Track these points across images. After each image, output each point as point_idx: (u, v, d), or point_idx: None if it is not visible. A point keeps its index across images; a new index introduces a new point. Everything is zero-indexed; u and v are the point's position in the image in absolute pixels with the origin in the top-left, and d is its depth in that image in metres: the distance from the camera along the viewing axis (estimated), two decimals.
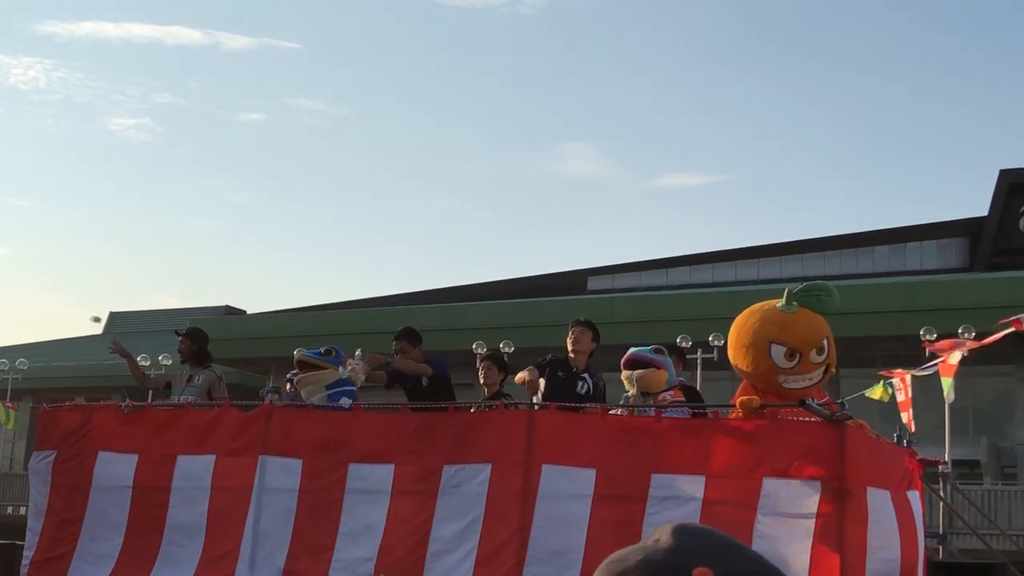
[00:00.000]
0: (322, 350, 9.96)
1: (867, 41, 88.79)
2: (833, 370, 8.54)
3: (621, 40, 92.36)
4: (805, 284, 8.77)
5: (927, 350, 8.84)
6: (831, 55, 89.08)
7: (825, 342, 8.60)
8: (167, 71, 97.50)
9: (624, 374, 8.53)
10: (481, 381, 10.54)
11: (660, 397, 8.33)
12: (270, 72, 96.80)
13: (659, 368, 8.48)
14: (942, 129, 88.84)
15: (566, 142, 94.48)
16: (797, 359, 8.37)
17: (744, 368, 8.49)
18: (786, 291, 8.65)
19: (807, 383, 8.44)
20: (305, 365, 9.87)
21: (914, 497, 8.59)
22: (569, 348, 9.94)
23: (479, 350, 36.35)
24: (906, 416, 10.32)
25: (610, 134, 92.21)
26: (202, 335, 11.56)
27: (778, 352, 8.39)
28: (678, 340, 34.73)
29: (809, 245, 48.64)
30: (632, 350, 8.63)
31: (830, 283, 8.98)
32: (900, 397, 11.28)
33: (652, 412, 8.11)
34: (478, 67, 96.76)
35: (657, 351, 8.59)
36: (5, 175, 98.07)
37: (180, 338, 11.48)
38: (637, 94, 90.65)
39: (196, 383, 10.98)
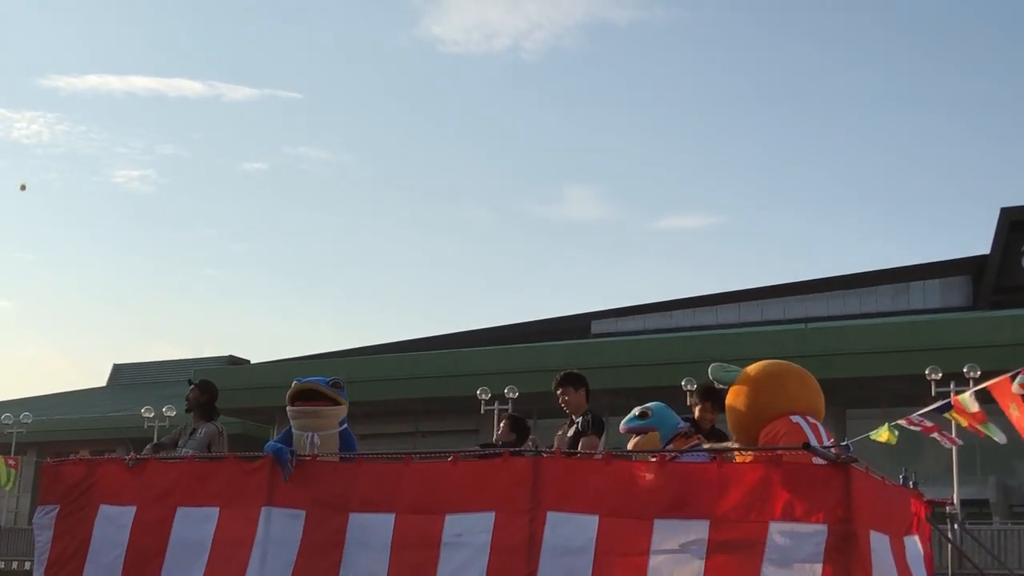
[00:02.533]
0: (329, 380, 9.47)
1: (866, 83, 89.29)
2: (736, 438, 9.03)
3: (620, 84, 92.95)
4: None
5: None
6: (830, 97, 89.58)
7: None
8: (170, 122, 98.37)
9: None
10: (495, 438, 10.57)
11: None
12: (272, 122, 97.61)
13: (649, 431, 8.61)
14: (943, 168, 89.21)
15: (567, 186, 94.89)
16: None
17: None
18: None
19: None
20: (315, 395, 9.37)
21: (913, 542, 8.55)
22: (564, 408, 10.08)
23: (483, 395, 36.26)
24: (937, 436, 10.36)
25: (610, 177, 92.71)
26: (212, 388, 11.43)
27: None
28: (683, 383, 34.81)
29: (812, 286, 48.65)
30: (621, 427, 8.85)
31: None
32: (919, 429, 11.26)
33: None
34: (479, 113, 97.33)
35: (642, 416, 8.74)
36: (9, 229, 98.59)
37: (191, 387, 11.33)
38: (637, 137, 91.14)
39: (198, 436, 10.90)
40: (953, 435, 11.83)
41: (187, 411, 11.36)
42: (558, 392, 10.05)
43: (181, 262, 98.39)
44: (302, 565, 8.71)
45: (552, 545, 7.85)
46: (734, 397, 9.14)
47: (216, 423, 11.16)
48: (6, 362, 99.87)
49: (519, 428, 10.75)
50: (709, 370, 9.17)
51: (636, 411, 8.84)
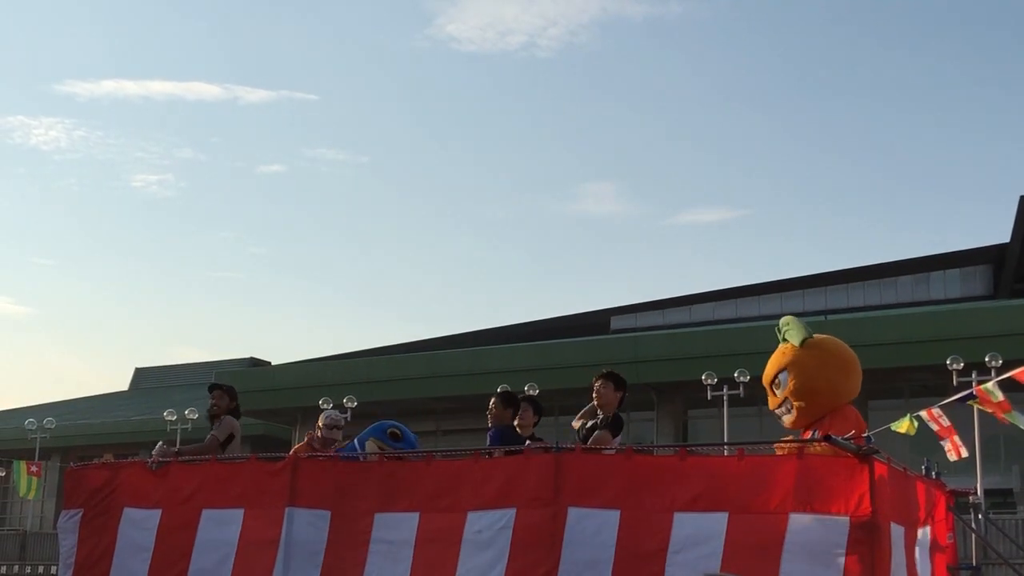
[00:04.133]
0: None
1: (885, 73, 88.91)
2: (799, 404, 8.64)
3: (636, 80, 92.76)
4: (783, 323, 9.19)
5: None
6: (848, 87, 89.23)
7: (782, 375, 8.73)
8: (187, 126, 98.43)
9: None
10: (516, 422, 10.48)
11: None
12: (289, 124, 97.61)
13: None
14: (962, 157, 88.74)
15: (585, 182, 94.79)
16: (772, 397, 8.82)
17: None
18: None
19: (783, 417, 8.73)
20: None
21: (925, 533, 8.52)
22: (595, 401, 9.89)
23: None
24: (948, 443, 10.33)
25: (628, 173, 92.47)
26: (235, 392, 11.43)
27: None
28: (703, 377, 34.76)
29: (832, 278, 48.48)
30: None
31: (797, 316, 9.46)
32: (936, 427, 11.21)
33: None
34: (496, 111, 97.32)
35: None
36: (29, 236, 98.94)
37: (214, 392, 11.16)
38: (653, 132, 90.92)
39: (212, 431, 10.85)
40: (976, 426, 11.80)
41: (213, 417, 11.15)
42: (597, 383, 9.86)
43: (200, 265, 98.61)
44: (329, 564, 8.74)
45: (573, 540, 7.86)
46: (822, 362, 8.87)
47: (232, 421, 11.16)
48: (28, 368, 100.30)
49: (512, 402, 10.76)
50: (796, 322, 9.08)
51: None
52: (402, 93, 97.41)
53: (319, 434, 10.83)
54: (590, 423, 9.76)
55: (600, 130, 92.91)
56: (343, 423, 11.10)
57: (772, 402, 9.02)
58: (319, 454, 10.02)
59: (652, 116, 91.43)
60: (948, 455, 10.31)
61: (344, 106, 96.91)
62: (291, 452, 10.24)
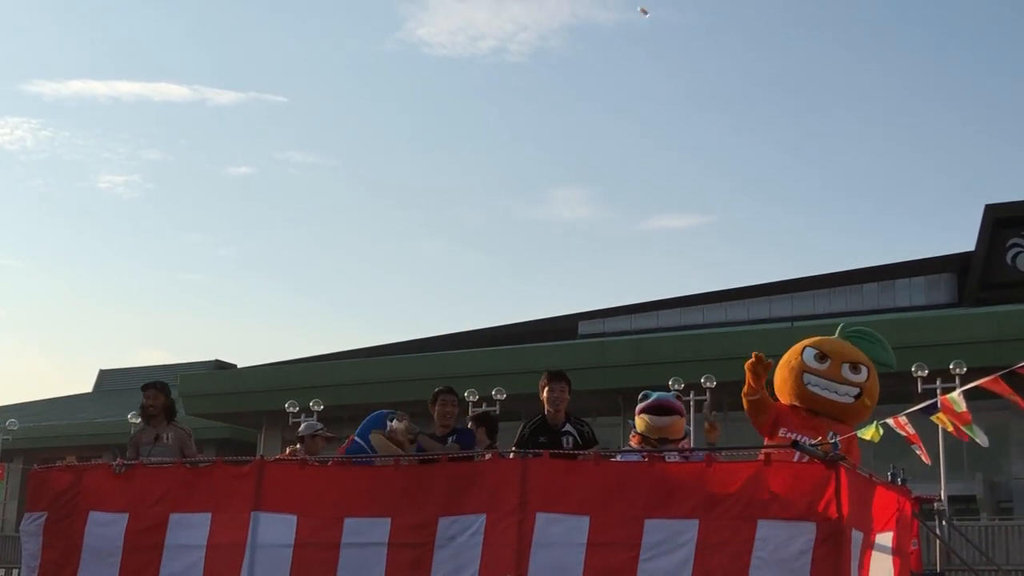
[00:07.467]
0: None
1: (850, 82, 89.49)
2: (867, 402, 9.04)
3: (607, 85, 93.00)
4: (856, 326, 9.49)
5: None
6: (814, 96, 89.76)
7: (864, 367, 9.21)
8: (155, 127, 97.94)
9: (646, 418, 8.76)
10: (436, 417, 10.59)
11: (682, 444, 8.59)
12: (258, 126, 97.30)
13: (682, 415, 8.74)
14: (927, 166, 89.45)
15: (555, 187, 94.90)
16: (827, 363, 8.85)
17: (777, 379, 9.21)
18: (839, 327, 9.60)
19: (833, 395, 8.83)
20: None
21: (885, 539, 8.56)
22: (547, 406, 9.67)
23: (471, 398, 36.22)
24: (918, 448, 10.44)
25: (598, 178, 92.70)
26: (168, 388, 10.87)
27: (809, 354, 9.17)
28: (670, 382, 34.82)
29: (798, 284, 48.68)
30: (657, 395, 8.82)
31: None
32: (904, 434, 11.30)
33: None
34: (466, 116, 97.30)
35: (676, 398, 8.88)
36: None
37: (151, 392, 10.60)
38: (624, 138, 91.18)
39: (167, 442, 10.41)
40: (940, 434, 11.94)
41: (150, 417, 10.66)
42: (563, 387, 9.69)
43: (167, 267, 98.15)
44: (297, 569, 8.70)
45: (542, 545, 7.86)
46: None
47: (181, 425, 10.78)
48: None
49: (490, 426, 10.76)
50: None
51: (672, 392, 8.95)
52: (372, 96, 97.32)
53: (299, 446, 10.82)
54: (569, 441, 9.56)
55: (570, 135, 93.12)
56: (320, 427, 11.08)
57: (833, 373, 9.08)
58: (288, 458, 9.98)
59: (622, 122, 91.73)
60: (920, 456, 10.40)
61: (314, 109, 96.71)
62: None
